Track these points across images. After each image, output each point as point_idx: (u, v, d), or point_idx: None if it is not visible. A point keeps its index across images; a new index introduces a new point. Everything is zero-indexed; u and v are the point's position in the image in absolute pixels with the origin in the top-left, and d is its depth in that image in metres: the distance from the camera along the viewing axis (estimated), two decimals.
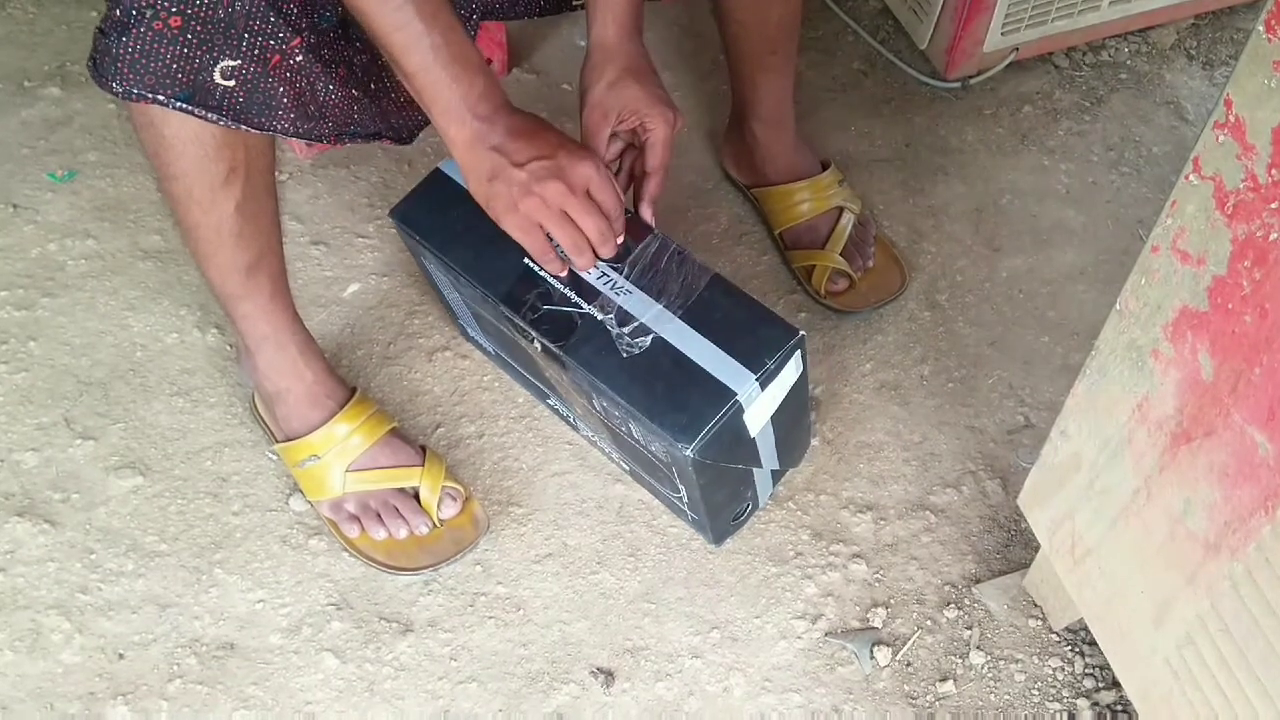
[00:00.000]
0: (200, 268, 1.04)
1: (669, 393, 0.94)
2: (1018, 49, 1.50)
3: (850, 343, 1.30)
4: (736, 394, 0.94)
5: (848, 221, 1.31)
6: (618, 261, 1.00)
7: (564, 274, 0.99)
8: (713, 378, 0.94)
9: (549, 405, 1.20)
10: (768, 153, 1.34)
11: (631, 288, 0.99)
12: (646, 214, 1.04)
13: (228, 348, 1.25)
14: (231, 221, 0.98)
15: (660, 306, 0.98)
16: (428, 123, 1.05)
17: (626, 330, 0.97)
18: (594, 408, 1.02)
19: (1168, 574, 0.81)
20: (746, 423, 0.97)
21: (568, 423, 1.19)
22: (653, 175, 1.03)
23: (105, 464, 1.16)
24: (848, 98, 1.52)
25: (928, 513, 1.17)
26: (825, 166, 1.34)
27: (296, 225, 1.37)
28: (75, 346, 1.25)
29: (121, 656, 1.04)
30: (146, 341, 1.26)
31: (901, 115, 1.51)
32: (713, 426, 0.93)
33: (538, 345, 1.00)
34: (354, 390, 1.14)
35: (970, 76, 1.52)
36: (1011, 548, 1.15)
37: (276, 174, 1.41)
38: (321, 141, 1.00)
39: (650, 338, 0.96)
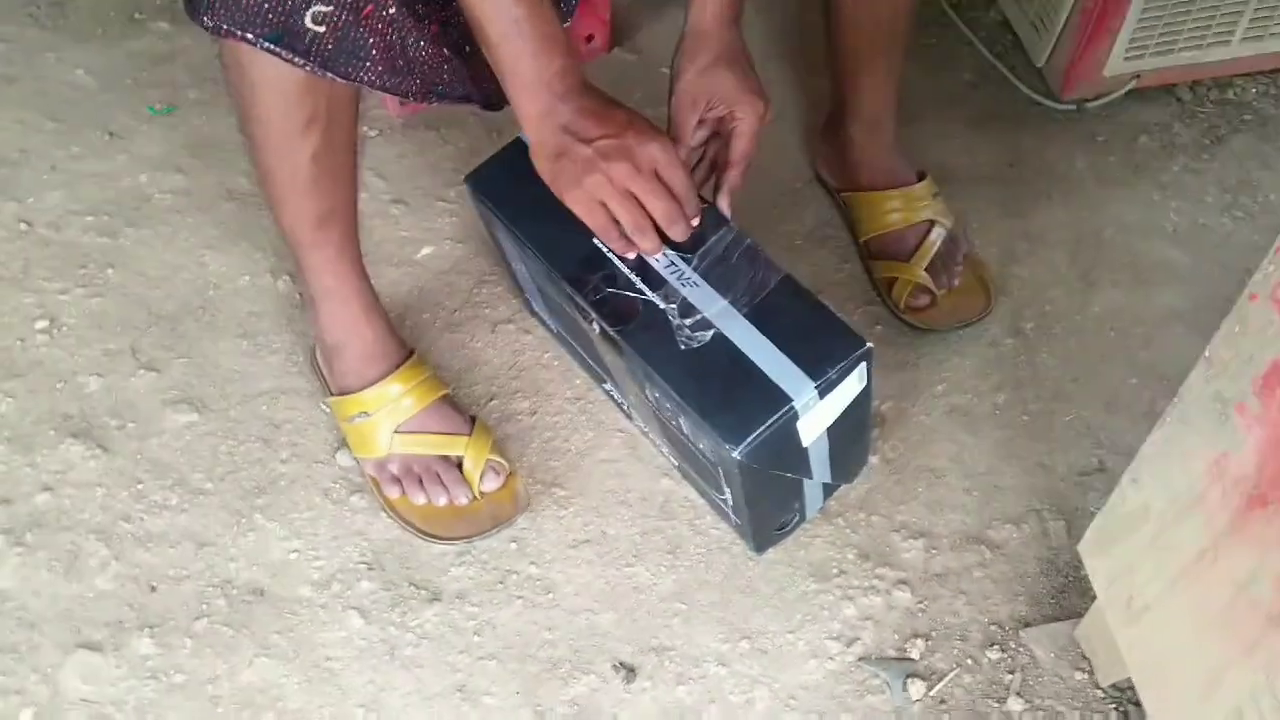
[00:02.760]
0: (273, 212, 1.05)
1: (723, 391, 0.91)
2: (1139, 76, 1.43)
3: (925, 362, 1.25)
4: (793, 400, 0.90)
5: (937, 236, 1.27)
6: (688, 251, 0.97)
7: (630, 255, 0.97)
8: (770, 381, 0.91)
9: (605, 390, 1.17)
10: (862, 156, 1.30)
11: (699, 280, 0.96)
12: (723, 205, 1.01)
13: (297, 296, 1.25)
14: (307, 170, 0.98)
15: (726, 302, 0.95)
16: None
17: (688, 322, 0.94)
18: (646, 397, 1.00)
19: (1224, 643, 0.76)
20: (800, 431, 0.93)
21: (622, 410, 1.17)
22: (734, 166, 1.01)
23: (164, 397, 1.17)
24: (954, 110, 1.47)
25: (983, 547, 1.12)
26: (921, 177, 1.30)
27: (379, 182, 1.36)
28: (151, 278, 1.26)
29: (154, 589, 1.05)
30: (220, 281, 1.27)
31: (1009, 133, 1.45)
32: (764, 431, 0.90)
33: (596, 328, 0.98)
34: (412, 352, 1.13)
35: (1086, 100, 1.45)
36: (1067, 594, 1.09)
37: (365, 129, 1.42)
38: (407, 98, 0.99)
39: (711, 333, 0.94)
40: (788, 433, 0.92)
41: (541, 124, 0.89)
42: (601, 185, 0.89)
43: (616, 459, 1.16)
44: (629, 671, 1.03)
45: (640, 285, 0.97)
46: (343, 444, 1.14)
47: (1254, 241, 1.35)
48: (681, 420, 0.95)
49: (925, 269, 1.25)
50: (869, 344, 0.93)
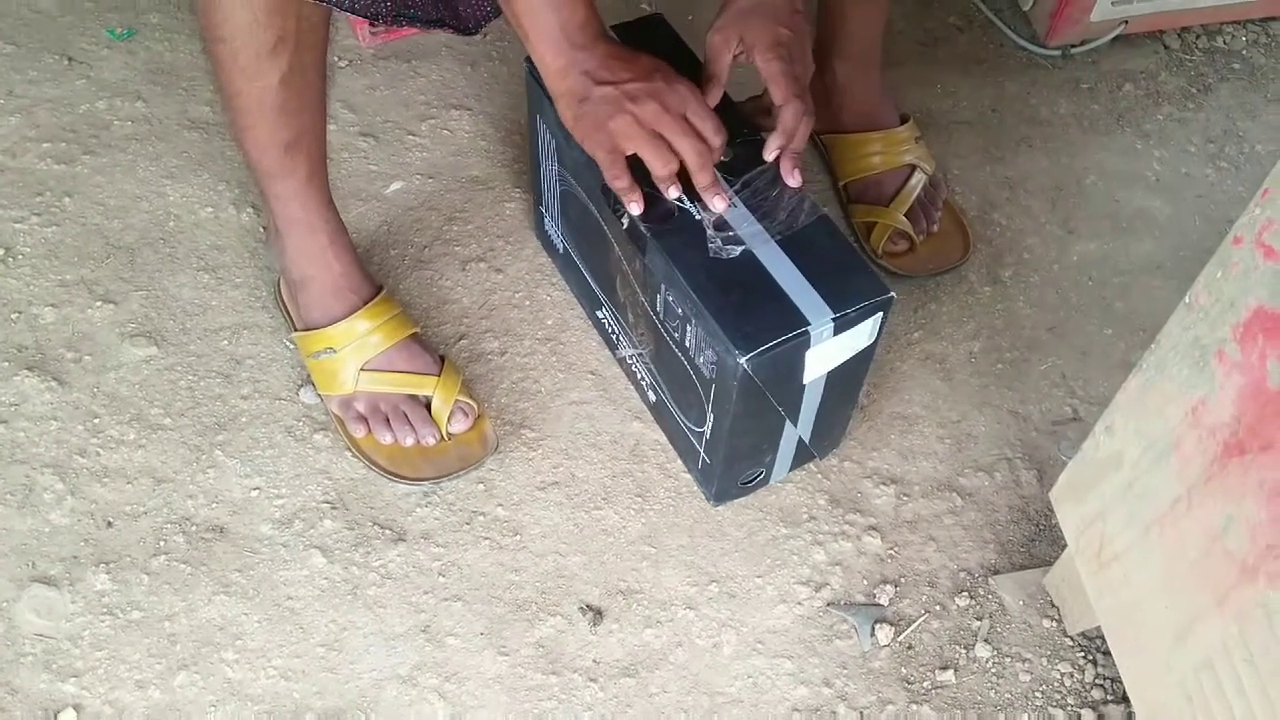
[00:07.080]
0: (238, 140, 1.01)
1: (743, 301, 0.91)
2: (1127, 22, 1.40)
3: (900, 308, 1.23)
4: (809, 325, 0.90)
5: (918, 181, 1.24)
6: (732, 175, 0.97)
7: (639, 209, 0.95)
8: (791, 302, 0.91)
9: (597, 318, 1.14)
10: (846, 97, 1.27)
11: (738, 202, 0.96)
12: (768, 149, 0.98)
13: (261, 229, 1.22)
14: (274, 94, 0.94)
15: (760, 227, 0.95)
16: (494, 15, 1.00)
17: (720, 235, 0.94)
18: (654, 306, 0.98)
19: (1196, 592, 0.75)
20: (807, 361, 0.93)
21: (610, 340, 1.14)
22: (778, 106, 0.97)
23: (122, 330, 1.14)
24: (938, 52, 1.44)
25: (955, 494, 1.11)
26: (904, 120, 1.27)
27: (348, 114, 1.33)
28: (109, 208, 1.22)
29: (110, 524, 1.03)
30: (181, 212, 1.23)
31: (992, 78, 1.43)
32: (775, 346, 0.89)
33: (625, 221, 0.96)
34: (380, 288, 1.10)
35: (1072, 45, 1.43)
36: (1037, 543, 1.09)
37: (335, 59, 1.38)
38: (378, 20, 0.95)
39: (741, 250, 0.94)
40: (795, 359, 0.92)
41: (564, 75, 0.89)
42: (628, 126, 0.88)
43: (587, 400, 1.14)
44: (596, 614, 1.02)
45: (680, 193, 0.96)
46: (306, 381, 1.11)
47: (1237, 192, 1.33)
48: (690, 327, 0.94)
49: (905, 214, 1.23)
50: (893, 294, 0.93)
